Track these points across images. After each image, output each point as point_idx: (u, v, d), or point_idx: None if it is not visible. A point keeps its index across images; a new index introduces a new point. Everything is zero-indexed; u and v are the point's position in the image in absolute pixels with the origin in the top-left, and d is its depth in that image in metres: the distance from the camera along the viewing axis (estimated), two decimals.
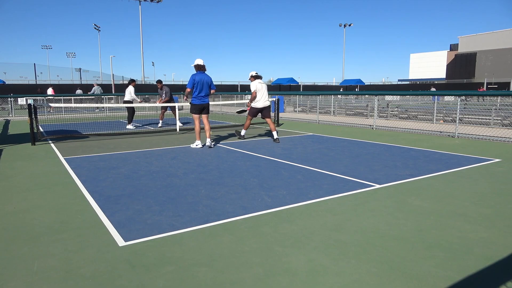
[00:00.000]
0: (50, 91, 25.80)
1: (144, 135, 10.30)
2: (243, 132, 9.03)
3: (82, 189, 4.62)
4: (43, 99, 21.31)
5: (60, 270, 2.58)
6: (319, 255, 2.78)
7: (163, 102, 12.32)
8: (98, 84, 26.50)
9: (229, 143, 8.55)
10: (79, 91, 28.99)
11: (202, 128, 8.00)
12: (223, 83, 45.08)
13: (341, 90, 41.80)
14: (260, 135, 10.00)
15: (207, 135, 7.93)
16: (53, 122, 14.57)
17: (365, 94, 21.49)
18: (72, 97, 22.60)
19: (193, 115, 7.87)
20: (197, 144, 7.84)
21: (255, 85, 8.55)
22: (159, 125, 12.63)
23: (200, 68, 7.70)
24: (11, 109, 18.53)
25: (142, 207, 3.87)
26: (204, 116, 7.94)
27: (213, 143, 8.12)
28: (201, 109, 7.83)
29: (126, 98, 12.31)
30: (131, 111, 12.34)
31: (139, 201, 4.10)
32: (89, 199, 4.21)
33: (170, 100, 12.45)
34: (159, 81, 12.50)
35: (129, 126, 12.28)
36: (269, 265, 2.63)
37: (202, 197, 4.21)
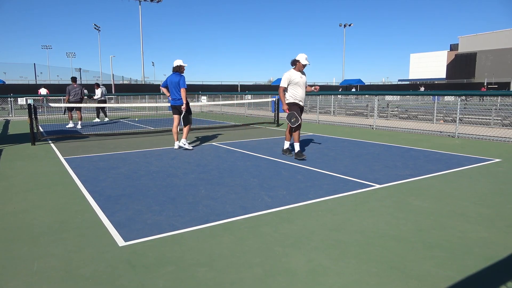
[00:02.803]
0: (44, 91, 25.61)
1: (144, 135, 10.30)
2: (286, 145, 6.80)
3: (82, 189, 4.62)
4: (42, 99, 21.32)
5: (60, 270, 2.58)
6: (319, 255, 2.78)
7: (67, 102, 12.37)
8: (103, 85, 26.56)
9: (229, 143, 8.55)
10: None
11: (181, 130, 7.85)
12: (223, 83, 45.08)
13: (340, 90, 41.89)
14: (259, 135, 10.00)
15: (183, 135, 7.72)
16: (53, 122, 14.56)
17: (365, 94, 21.53)
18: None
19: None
20: (175, 145, 7.72)
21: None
22: (70, 125, 12.65)
23: (173, 70, 7.50)
24: (11, 109, 18.54)
25: (142, 207, 3.87)
26: (175, 117, 7.74)
27: (185, 145, 7.63)
28: (173, 109, 7.67)
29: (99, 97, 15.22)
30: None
31: (139, 201, 4.10)
32: (89, 199, 4.21)
33: (77, 100, 12.46)
34: (72, 79, 12.77)
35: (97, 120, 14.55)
36: (269, 265, 2.63)
37: (202, 197, 4.21)
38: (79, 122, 12.54)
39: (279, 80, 44.95)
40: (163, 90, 7.77)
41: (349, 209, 3.81)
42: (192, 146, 7.89)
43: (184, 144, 7.62)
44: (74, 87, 12.35)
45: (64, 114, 13.15)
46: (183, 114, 7.57)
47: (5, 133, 11.40)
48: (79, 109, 12.50)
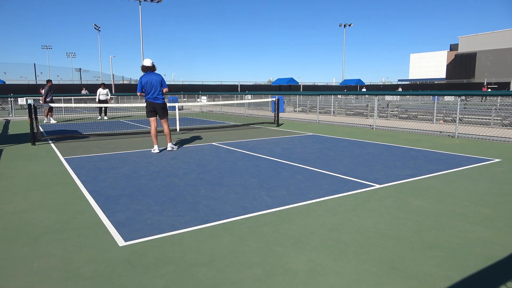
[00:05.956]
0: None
1: (144, 135, 10.29)
2: None
3: (82, 189, 4.62)
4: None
5: (60, 270, 2.58)
6: (319, 255, 2.78)
7: (43, 101, 14.55)
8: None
9: (229, 143, 8.55)
10: (84, 92, 29.20)
11: (161, 131, 7.54)
12: (223, 83, 45.08)
13: (345, 90, 42.14)
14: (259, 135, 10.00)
15: (167, 139, 7.55)
16: (54, 122, 14.58)
17: (365, 94, 21.51)
18: (73, 97, 22.61)
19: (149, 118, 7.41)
20: (154, 149, 7.33)
21: None
22: (51, 121, 14.87)
23: (147, 69, 7.13)
24: (11, 109, 18.55)
25: (142, 207, 3.87)
26: (161, 121, 7.40)
27: (175, 147, 7.72)
28: (153, 110, 7.25)
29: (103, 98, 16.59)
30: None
31: (139, 201, 4.10)
32: (89, 199, 4.21)
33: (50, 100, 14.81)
34: (47, 81, 15.23)
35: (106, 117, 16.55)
36: (269, 265, 2.63)
37: (202, 197, 4.21)
38: (49, 117, 14.92)
39: (279, 80, 44.90)
40: (138, 95, 7.33)
41: (349, 209, 3.81)
42: (186, 146, 7.72)
43: (173, 148, 7.57)
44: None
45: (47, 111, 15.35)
46: (163, 114, 7.26)
47: (5, 133, 11.40)
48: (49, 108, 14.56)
